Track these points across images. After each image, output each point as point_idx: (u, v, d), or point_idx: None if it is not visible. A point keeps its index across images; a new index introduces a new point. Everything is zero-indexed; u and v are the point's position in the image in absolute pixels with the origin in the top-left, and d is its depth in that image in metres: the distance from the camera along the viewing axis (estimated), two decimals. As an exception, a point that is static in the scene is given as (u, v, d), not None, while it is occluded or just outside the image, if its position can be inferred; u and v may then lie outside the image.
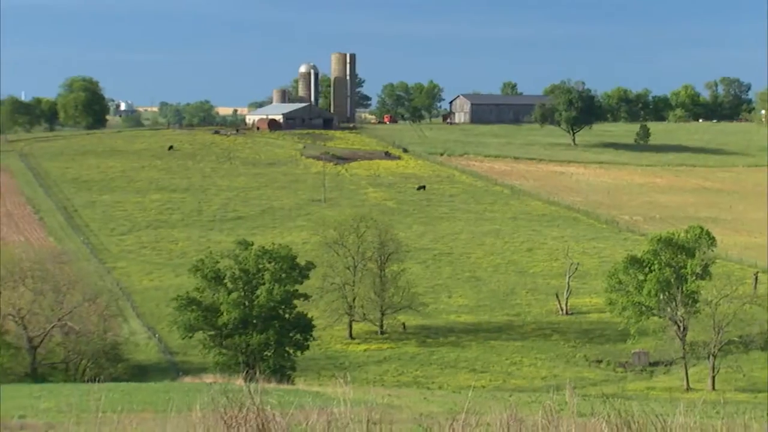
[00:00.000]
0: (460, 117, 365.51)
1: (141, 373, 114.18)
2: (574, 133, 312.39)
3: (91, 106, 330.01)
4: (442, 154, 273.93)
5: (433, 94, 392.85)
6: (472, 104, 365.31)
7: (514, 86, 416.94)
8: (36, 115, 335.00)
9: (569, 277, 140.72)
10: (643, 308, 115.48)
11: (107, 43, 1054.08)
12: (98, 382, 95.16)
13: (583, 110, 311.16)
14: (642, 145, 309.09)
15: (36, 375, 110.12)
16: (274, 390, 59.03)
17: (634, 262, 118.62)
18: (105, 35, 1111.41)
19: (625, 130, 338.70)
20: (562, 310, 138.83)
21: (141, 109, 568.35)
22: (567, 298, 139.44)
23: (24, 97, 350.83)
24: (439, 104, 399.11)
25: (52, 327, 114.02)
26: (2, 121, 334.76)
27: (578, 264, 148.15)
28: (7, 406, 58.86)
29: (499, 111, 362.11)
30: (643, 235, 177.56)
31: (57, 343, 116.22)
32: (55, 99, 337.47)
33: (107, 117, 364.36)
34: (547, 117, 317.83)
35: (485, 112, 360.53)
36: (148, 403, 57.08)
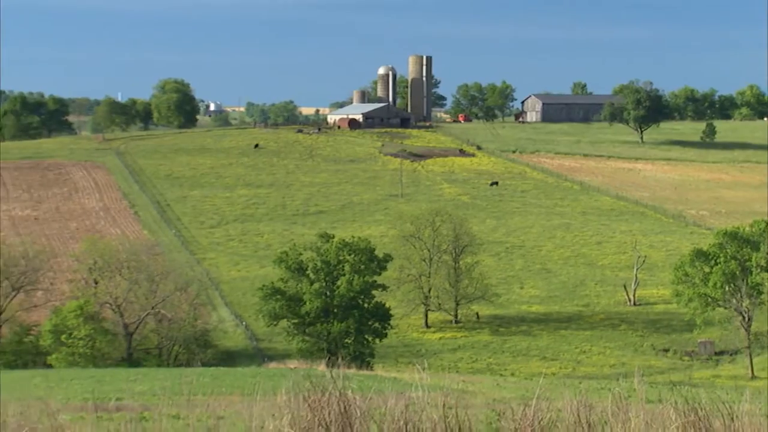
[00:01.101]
0: (532, 116, 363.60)
1: (229, 358, 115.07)
2: (641, 131, 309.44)
3: (183, 107, 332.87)
4: (514, 152, 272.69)
5: (505, 94, 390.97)
6: (543, 104, 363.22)
7: (584, 86, 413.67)
8: (131, 115, 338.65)
9: (637, 270, 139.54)
10: (709, 299, 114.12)
11: (198, 47, 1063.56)
12: (189, 366, 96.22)
13: (651, 109, 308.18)
14: (708, 142, 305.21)
15: (131, 360, 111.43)
16: (355, 375, 59.11)
17: (700, 255, 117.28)
18: (196, 39, 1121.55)
19: (691, 128, 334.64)
20: (630, 300, 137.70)
21: (229, 109, 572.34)
22: (635, 290, 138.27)
23: (120, 98, 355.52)
24: (511, 104, 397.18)
25: (147, 314, 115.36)
26: (100, 120, 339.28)
27: (645, 257, 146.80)
28: (106, 389, 59.60)
29: (569, 110, 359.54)
30: (709, 229, 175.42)
31: (151, 329, 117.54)
32: (149, 100, 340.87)
33: (197, 117, 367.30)
34: (616, 115, 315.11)
35: (556, 111, 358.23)
36: (236, 387, 57.46)
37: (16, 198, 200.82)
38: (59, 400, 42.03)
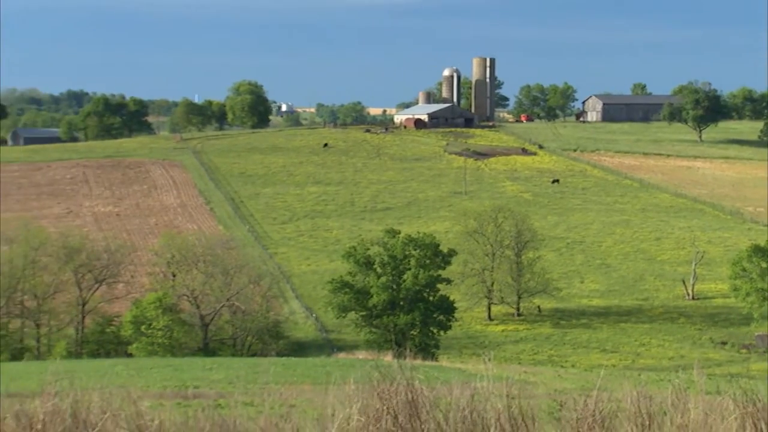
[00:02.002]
0: (592, 116, 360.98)
1: (300, 349, 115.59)
2: (700, 130, 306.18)
3: (256, 108, 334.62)
4: (575, 150, 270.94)
5: (567, 94, 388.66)
6: (603, 104, 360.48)
7: (643, 87, 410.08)
8: (207, 115, 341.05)
9: (695, 265, 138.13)
10: (766, 294, 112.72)
11: (271, 50, 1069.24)
12: (262, 356, 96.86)
13: (709, 109, 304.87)
14: (766, 141, 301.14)
15: (207, 349, 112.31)
16: (420, 366, 59.12)
17: (757, 250, 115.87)
18: (269, 43, 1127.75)
19: (749, 128, 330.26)
20: (688, 295, 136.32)
21: (300, 109, 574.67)
22: (693, 284, 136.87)
23: (197, 99, 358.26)
24: (572, 104, 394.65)
25: (222, 306, 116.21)
26: (178, 121, 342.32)
27: (704, 252, 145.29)
28: (183, 378, 60.14)
29: (629, 110, 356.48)
30: (766, 225, 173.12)
31: (225, 320, 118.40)
32: (224, 101, 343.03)
33: (270, 117, 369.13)
34: (675, 115, 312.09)
35: (616, 111, 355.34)
36: (307, 377, 57.76)
37: (98, 195, 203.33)
38: (140, 387, 42.52)
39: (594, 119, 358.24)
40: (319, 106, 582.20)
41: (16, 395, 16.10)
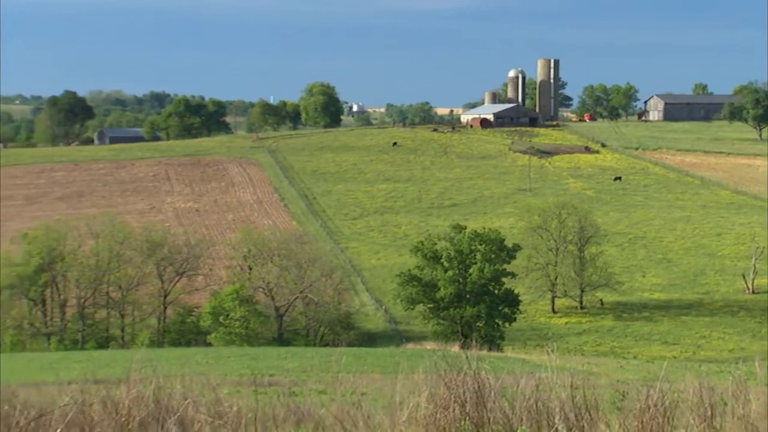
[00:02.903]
0: (654, 115, 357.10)
1: (370, 339, 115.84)
2: (760, 129, 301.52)
3: (328, 108, 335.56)
4: (636, 149, 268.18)
5: (629, 94, 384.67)
6: (665, 103, 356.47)
7: (704, 87, 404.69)
8: (282, 116, 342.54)
9: (755, 260, 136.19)
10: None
11: (343, 53, 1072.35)
12: (334, 346, 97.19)
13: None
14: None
15: (282, 339, 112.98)
16: (486, 357, 58.95)
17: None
18: (341, 46, 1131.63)
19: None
20: (748, 289, 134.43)
21: (370, 110, 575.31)
22: (753, 279, 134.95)
23: (272, 100, 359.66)
24: (634, 104, 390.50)
25: (295, 298, 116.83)
26: (254, 121, 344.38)
27: (764, 248, 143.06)
28: (259, 366, 60.49)
29: (690, 109, 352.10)
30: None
31: (299, 312, 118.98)
32: (298, 102, 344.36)
33: (342, 117, 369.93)
34: (735, 114, 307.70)
35: (677, 110, 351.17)
36: (377, 366, 57.81)
37: (179, 192, 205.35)
38: (218, 375, 42.78)
39: (656, 118, 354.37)
40: (389, 106, 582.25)
41: (103, 382, 16.30)
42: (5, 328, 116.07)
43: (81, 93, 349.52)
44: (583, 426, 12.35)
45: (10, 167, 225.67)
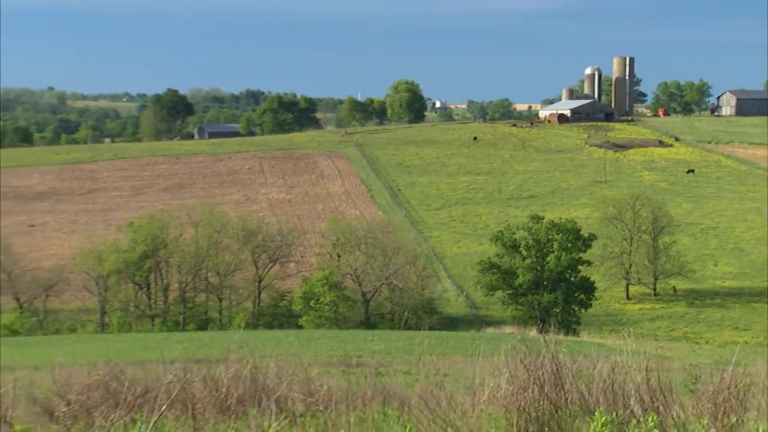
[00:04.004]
0: (726, 110, 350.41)
1: (451, 323, 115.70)
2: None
3: (413, 104, 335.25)
4: (709, 142, 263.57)
5: (702, 90, 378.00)
6: (737, 99, 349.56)
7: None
8: (369, 112, 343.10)
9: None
10: None
11: (427, 52, 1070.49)
12: (418, 330, 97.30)
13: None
14: None
15: (369, 323, 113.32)
16: (563, 340, 58.56)
17: None
18: (425, 45, 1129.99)
19: None
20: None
21: (452, 106, 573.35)
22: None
23: (360, 97, 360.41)
24: (707, 99, 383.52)
25: (381, 284, 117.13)
26: (343, 117, 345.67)
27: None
28: (347, 348, 60.79)
29: (762, 105, 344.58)
30: None
31: (385, 297, 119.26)
32: (384, 99, 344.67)
33: (425, 113, 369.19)
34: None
35: (749, 106, 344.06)
36: (458, 349, 57.72)
37: (272, 183, 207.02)
38: (309, 356, 43.14)
39: (728, 113, 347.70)
40: (470, 102, 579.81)
41: (203, 361, 16.53)
42: (113, 310, 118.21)
43: (182, 91, 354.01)
44: (658, 407, 12.20)
45: (118, 161, 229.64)
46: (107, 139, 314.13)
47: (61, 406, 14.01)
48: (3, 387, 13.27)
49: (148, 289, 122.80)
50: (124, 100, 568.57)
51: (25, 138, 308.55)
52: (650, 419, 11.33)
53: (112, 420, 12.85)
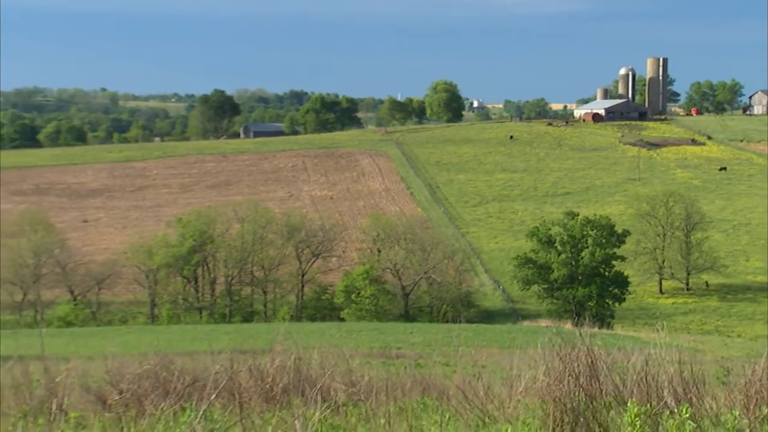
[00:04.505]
0: (758, 109, 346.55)
1: (488, 316, 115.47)
2: None
3: (451, 104, 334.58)
4: (741, 141, 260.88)
5: (734, 90, 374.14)
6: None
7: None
8: (408, 111, 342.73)
9: None
10: None
11: (464, 52, 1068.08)
12: (455, 323, 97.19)
13: None
14: None
15: (408, 316, 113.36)
16: (598, 333, 58.29)
17: None
18: (463, 46, 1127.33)
19: None
20: None
21: (489, 105, 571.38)
22: None
23: (399, 97, 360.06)
24: (739, 99, 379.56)
25: (420, 278, 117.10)
26: (383, 116, 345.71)
27: None
28: (387, 340, 60.88)
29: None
30: None
31: (423, 290, 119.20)
32: (423, 98, 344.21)
33: (463, 112, 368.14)
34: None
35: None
36: (495, 341, 57.64)
37: (315, 181, 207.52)
38: (351, 347, 43.21)
39: (760, 112, 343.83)
40: (507, 102, 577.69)
41: (249, 352, 16.61)
42: (163, 302, 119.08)
43: (229, 92, 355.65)
44: (691, 399, 12.12)
45: (167, 159, 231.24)
46: (157, 138, 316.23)
47: (113, 394, 14.14)
48: (58, 376, 13.41)
49: (196, 282, 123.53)
50: (173, 100, 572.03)
51: (79, 137, 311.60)
52: (683, 410, 11.25)
53: (162, 408, 12.95)
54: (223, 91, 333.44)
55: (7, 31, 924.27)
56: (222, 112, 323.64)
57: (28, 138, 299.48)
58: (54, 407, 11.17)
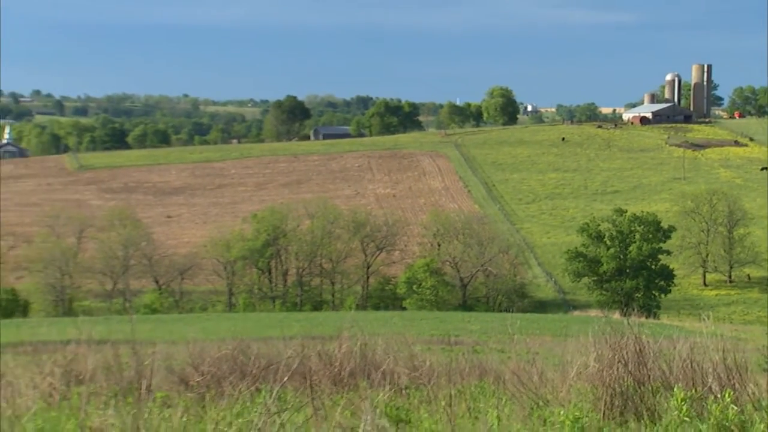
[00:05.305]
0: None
1: (541, 307, 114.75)
2: None
3: (506, 108, 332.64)
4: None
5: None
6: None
7: None
8: (466, 115, 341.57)
9: None
10: None
11: (519, 59, 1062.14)
12: (510, 312, 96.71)
13: None
14: None
15: (465, 305, 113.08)
16: (645, 323, 57.57)
17: None
18: (518, 53, 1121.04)
19: None
20: None
21: (542, 109, 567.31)
22: None
23: (458, 102, 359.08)
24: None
25: (477, 271, 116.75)
26: (443, 119, 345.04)
27: None
28: (447, 327, 60.77)
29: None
30: None
31: (480, 282, 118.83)
32: (480, 103, 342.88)
33: (517, 116, 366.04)
34: None
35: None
36: (548, 330, 57.25)
37: (379, 180, 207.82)
38: (412, 334, 43.25)
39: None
40: (559, 106, 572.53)
41: (318, 338, 16.70)
42: (239, 292, 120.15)
43: (300, 97, 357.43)
44: (734, 384, 11.94)
45: (243, 159, 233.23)
46: (234, 140, 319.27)
47: (195, 376, 14.30)
48: (145, 359, 13.61)
49: (270, 273, 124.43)
50: (250, 105, 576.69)
51: (163, 139, 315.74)
52: (726, 395, 11.09)
53: (239, 389, 13.07)
54: (295, 97, 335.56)
55: (100, 43, 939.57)
56: (294, 116, 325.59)
57: (117, 140, 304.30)
58: (143, 388, 11.34)
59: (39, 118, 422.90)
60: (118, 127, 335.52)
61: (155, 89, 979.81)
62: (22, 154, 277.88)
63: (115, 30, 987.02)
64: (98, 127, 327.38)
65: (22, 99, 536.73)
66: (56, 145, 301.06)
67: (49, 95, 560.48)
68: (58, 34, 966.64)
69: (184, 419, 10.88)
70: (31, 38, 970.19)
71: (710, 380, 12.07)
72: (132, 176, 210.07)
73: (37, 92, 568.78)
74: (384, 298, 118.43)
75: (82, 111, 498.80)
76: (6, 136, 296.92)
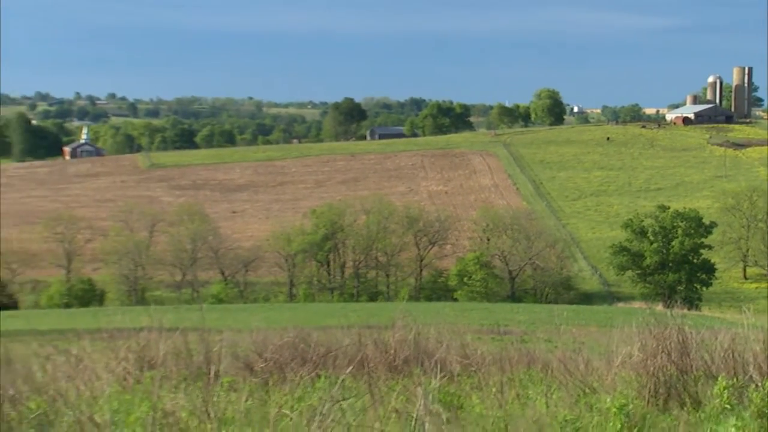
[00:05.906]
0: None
1: (586, 298, 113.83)
2: None
3: (553, 110, 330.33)
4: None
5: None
6: None
7: None
8: (515, 116, 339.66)
9: None
10: None
11: (566, 63, 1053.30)
12: (556, 303, 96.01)
13: None
14: None
15: (514, 297, 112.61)
16: (688, 315, 56.74)
17: None
18: (565, 57, 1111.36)
19: None
20: None
21: (588, 110, 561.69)
22: None
23: (507, 103, 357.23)
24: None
25: (525, 264, 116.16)
26: (493, 120, 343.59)
27: None
28: (496, 318, 60.49)
29: None
30: None
31: (528, 275, 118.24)
32: (528, 104, 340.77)
33: (564, 117, 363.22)
34: None
35: None
36: (593, 320, 56.76)
37: (432, 178, 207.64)
38: (463, 324, 43.14)
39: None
40: (604, 107, 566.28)
41: (374, 327, 16.74)
42: (299, 283, 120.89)
43: (357, 99, 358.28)
44: (775, 375, 11.73)
45: (304, 158, 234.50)
46: (295, 140, 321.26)
47: (259, 362, 14.42)
48: (213, 346, 13.76)
49: (328, 266, 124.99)
50: (309, 107, 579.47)
51: (228, 139, 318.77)
52: (767, 384, 10.91)
53: (300, 375, 13.16)
54: (352, 99, 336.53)
55: (171, 49, 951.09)
56: (351, 118, 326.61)
57: (186, 140, 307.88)
58: (211, 373, 11.47)
59: (114, 120, 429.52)
60: (187, 127, 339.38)
61: (222, 92, 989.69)
62: (98, 153, 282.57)
63: (186, 36, 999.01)
64: (168, 127, 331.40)
65: (98, 102, 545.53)
66: (130, 144, 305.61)
67: (123, 98, 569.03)
68: (132, 40, 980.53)
69: (249, 402, 10.98)
70: (107, 44, 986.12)
71: (751, 369, 11.89)
72: (199, 174, 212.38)
73: (113, 95, 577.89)
74: (436, 290, 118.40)
75: (153, 113, 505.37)
76: (84, 136, 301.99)
